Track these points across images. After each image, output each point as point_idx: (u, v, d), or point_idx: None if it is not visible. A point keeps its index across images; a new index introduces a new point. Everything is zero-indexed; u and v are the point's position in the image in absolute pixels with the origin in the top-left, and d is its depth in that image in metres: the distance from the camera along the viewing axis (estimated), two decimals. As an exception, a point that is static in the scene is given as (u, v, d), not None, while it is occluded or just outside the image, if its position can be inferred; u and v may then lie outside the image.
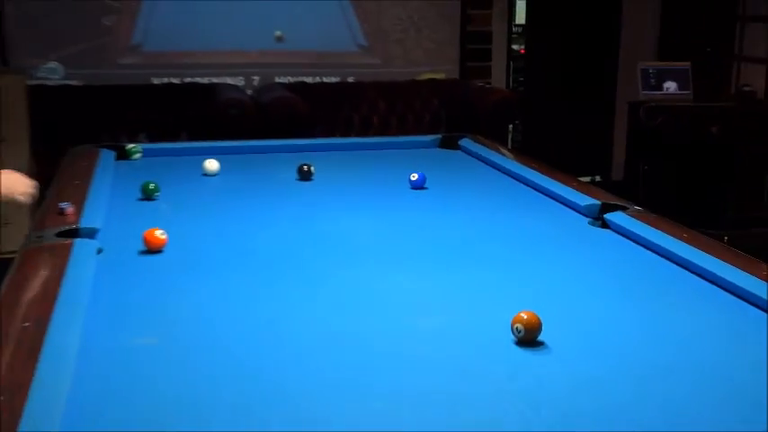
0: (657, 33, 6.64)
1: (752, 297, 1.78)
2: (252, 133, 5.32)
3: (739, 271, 1.89)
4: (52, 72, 5.85)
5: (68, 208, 2.33)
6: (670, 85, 5.62)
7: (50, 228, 2.20)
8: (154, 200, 2.69)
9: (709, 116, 5.30)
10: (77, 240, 2.09)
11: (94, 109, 5.74)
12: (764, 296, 1.73)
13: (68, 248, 2.03)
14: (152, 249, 2.15)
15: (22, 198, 2.56)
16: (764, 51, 5.79)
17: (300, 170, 2.98)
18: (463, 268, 2.13)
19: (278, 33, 6.16)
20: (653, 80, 5.60)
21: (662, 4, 6.58)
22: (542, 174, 2.99)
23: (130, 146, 3.33)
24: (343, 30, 6.27)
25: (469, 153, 3.50)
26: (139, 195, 2.70)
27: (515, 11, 6.67)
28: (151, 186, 2.69)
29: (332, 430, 1.27)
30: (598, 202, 2.54)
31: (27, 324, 1.58)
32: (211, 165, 3.16)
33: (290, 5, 6.12)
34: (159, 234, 2.15)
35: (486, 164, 3.32)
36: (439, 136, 3.70)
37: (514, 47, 6.75)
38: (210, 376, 1.47)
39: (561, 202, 2.71)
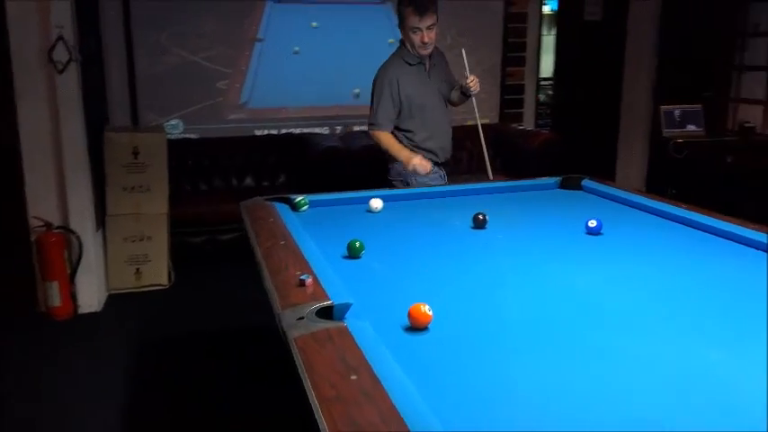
0: (654, 77, 6.01)
1: None
2: (345, 177, 4.65)
3: None
4: (174, 128, 5.14)
5: (308, 279, 1.64)
6: (687, 124, 5.00)
7: (302, 305, 1.51)
8: (360, 258, 2.01)
9: (722, 148, 4.70)
10: (349, 322, 1.41)
11: (210, 157, 5.06)
12: None
13: (347, 334, 1.35)
14: (419, 326, 1.47)
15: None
16: (751, 94, 5.19)
17: (476, 219, 2.31)
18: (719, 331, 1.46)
19: (356, 90, 5.49)
20: (673, 120, 4.98)
21: (658, 53, 5.95)
22: (695, 212, 2.36)
23: (299, 198, 2.63)
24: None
25: (595, 192, 2.84)
26: (344, 253, 2.03)
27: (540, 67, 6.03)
28: (357, 245, 2.01)
29: None
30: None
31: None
32: (377, 203, 2.61)
33: (363, 69, 5.45)
34: (427, 310, 1.47)
35: (618, 202, 2.67)
36: (558, 178, 3.02)
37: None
38: None
39: (739, 242, 2.06)
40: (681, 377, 1.26)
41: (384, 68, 3.38)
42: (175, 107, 5.13)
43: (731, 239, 2.12)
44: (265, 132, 5.36)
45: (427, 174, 3.28)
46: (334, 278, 1.72)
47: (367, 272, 1.90)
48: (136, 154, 3.96)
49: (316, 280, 1.67)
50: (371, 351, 1.26)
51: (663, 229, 2.31)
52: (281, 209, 2.55)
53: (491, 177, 3.56)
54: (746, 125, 4.92)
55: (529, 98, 5.87)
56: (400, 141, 3.40)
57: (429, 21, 3.23)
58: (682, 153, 4.68)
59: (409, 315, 1.47)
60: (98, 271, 3.87)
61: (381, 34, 5.47)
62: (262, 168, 5.14)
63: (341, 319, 1.48)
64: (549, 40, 6.41)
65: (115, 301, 3.93)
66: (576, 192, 2.91)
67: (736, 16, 5.14)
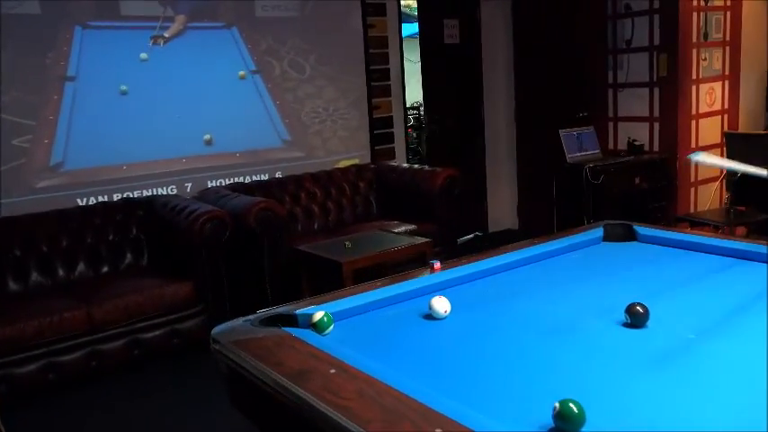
0: (514, 105, 5.78)
1: None
2: (242, 252, 3.61)
3: None
4: (-46, 208, 3.60)
5: None
6: (584, 148, 4.72)
7: None
8: None
9: (629, 169, 4.49)
10: None
11: (20, 243, 3.61)
12: None
13: None
14: None
15: None
16: (629, 111, 5.10)
17: (635, 313, 1.55)
18: None
19: (206, 137, 4.39)
20: (573, 144, 4.67)
21: (515, 80, 5.73)
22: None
23: (319, 316, 1.61)
24: (268, 126, 4.64)
25: (655, 241, 2.24)
26: (549, 426, 1.13)
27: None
28: (576, 410, 1.12)
29: None
30: None
31: None
32: (444, 305, 1.69)
33: (213, 109, 4.40)
34: None
35: (704, 251, 2.10)
36: (600, 229, 2.37)
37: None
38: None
39: None
40: None
41: None
42: (-47, 179, 3.60)
43: None
44: (92, 201, 4.01)
45: None
46: None
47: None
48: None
49: None
50: None
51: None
52: (308, 337, 1.54)
53: None
54: (635, 143, 4.79)
55: (398, 131, 5.24)
56: None
57: None
58: (598, 178, 4.36)
59: None
60: None
61: (230, 65, 4.47)
62: (98, 250, 3.80)
63: None
64: (411, 67, 5.86)
65: None
66: (635, 244, 2.28)
67: (603, 34, 5.03)
